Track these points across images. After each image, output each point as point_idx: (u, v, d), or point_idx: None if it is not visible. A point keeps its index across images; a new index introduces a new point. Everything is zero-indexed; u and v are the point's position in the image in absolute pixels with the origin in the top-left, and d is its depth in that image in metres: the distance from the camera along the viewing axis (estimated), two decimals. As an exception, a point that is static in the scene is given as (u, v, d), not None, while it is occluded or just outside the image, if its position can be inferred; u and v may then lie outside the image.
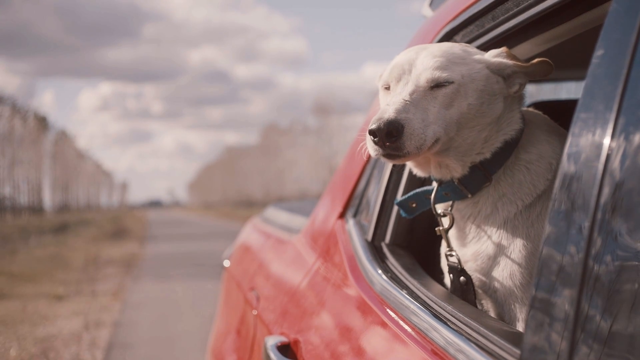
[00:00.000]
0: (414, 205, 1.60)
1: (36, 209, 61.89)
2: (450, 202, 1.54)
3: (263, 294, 2.38)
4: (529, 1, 1.42)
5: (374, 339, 1.50)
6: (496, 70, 1.46)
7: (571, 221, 0.91)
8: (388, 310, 1.49)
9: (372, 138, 1.36)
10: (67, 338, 7.01)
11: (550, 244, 0.94)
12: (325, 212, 2.34)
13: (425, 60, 1.44)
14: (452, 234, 1.57)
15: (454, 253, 1.53)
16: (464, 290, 1.51)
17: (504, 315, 1.49)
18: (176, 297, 9.67)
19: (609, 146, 0.87)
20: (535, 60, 1.47)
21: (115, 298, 9.63)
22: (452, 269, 1.54)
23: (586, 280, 0.86)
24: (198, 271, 12.56)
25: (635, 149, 0.84)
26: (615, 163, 0.86)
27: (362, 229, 1.98)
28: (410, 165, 1.61)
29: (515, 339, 1.07)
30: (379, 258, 1.76)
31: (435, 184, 1.57)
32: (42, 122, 64.16)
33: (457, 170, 1.49)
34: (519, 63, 1.46)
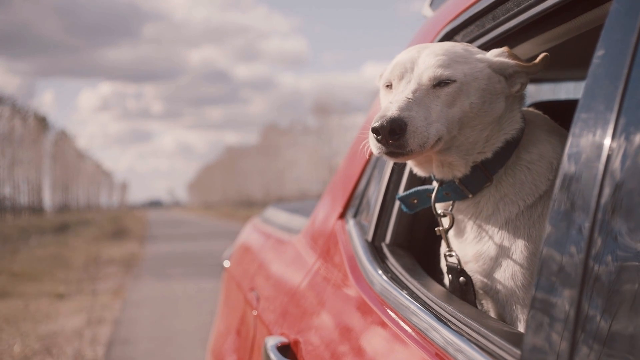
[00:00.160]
0: (415, 201, 1.60)
1: (36, 209, 61.89)
2: (450, 202, 1.54)
3: (263, 294, 2.38)
4: (530, 1, 1.42)
5: (374, 340, 1.50)
6: (498, 69, 1.46)
7: (571, 221, 0.91)
8: (388, 310, 1.49)
9: (375, 136, 1.36)
10: (69, 335, 7.16)
11: (551, 244, 0.94)
12: (326, 212, 2.34)
13: (428, 59, 1.44)
14: (452, 234, 1.56)
15: (453, 253, 1.53)
16: (464, 291, 1.51)
17: (505, 316, 1.48)
18: (175, 295, 9.81)
19: (610, 146, 0.87)
20: (537, 59, 1.47)
21: (115, 296, 9.78)
22: (451, 269, 1.54)
23: (586, 280, 0.86)
24: (197, 270, 12.72)
25: (636, 149, 0.83)
26: (616, 163, 0.86)
27: (362, 229, 1.98)
28: (411, 165, 1.60)
29: (515, 339, 1.07)
30: (379, 258, 1.76)
31: (435, 184, 1.57)
32: (42, 122, 64.15)
33: (459, 168, 1.48)
34: (521, 63, 1.46)
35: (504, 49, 1.49)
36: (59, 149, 74.16)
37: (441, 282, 1.64)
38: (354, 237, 1.95)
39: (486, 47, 1.59)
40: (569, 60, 2.22)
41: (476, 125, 1.45)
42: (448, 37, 1.78)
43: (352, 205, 2.16)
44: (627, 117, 0.87)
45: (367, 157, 1.90)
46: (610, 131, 0.88)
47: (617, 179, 0.85)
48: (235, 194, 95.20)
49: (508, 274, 1.44)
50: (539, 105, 1.95)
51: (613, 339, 0.81)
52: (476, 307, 1.50)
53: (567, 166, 0.95)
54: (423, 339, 1.28)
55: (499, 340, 1.09)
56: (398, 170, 1.87)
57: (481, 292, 1.52)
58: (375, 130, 1.35)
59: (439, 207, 1.56)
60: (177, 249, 18.95)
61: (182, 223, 41.82)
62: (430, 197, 1.55)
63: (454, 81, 1.41)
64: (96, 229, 31.72)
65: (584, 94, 0.97)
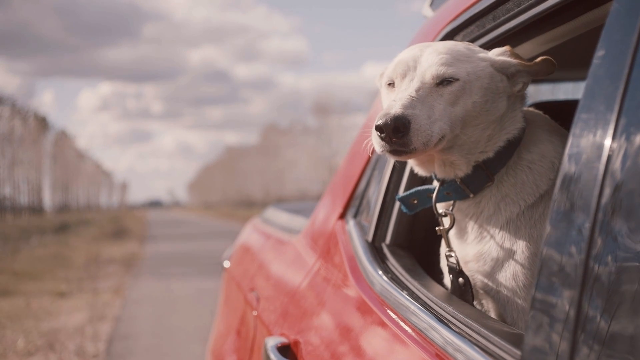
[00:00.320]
0: (415, 201, 1.59)
1: (36, 209, 61.90)
2: (451, 202, 1.53)
3: (263, 294, 2.38)
4: (530, 1, 1.42)
5: (374, 340, 1.50)
6: (500, 68, 1.46)
7: (572, 222, 0.91)
8: (388, 311, 1.49)
9: (379, 134, 1.35)
10: (71, 331, 7.32)
11: (551, 245, 0.94)
12: (326, 212, 2.34)
13: (431, 57, 1.44)
14: (453, 234, 1.56)
15: (453, 254, 1.53)
16: (462, 291, 1.50)
17: (506, 316, 1.48)
18: (174, 294, 9.98)
19: (610, 147, 0.87)
20: (539, 59, 1.47)
21: (116, 295, 9.93)
22: (451, 269, 1.53)
23: (587, 281, 0.86)
24: (196, 270, 12.86)
25: (636, 149, 0.83)
26: (616, 164, 0.86)
27: (362, 229, 1.97)
28: (412, 164, 1.60)
29: (515, 339, 1.07)
30: (379, 259, 1.76)
31: (436, 183, 1.56)
32: (42, 122, 64.15)
33: (461, 168, 1.48)
34: (523, 62, 1.46)
35: (506, 48, 1.49)
36: (59, 149, 74.16)
37: (441, 283, 1.64)
38: (354, 237, 1.95)
39: (487, 47, 1.59)
40: (568, 61, 2.21)
41: (478, 124, 1.45)
42: (448, 37, 1.78)
43: (352, 205, 2.16)
44: (627, 118, 0.87)
45: (370, 155, 1.89)
46: (610, 132, 0.88)
47: (617, 179, 0.85)
48: (235, 194, 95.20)
49: (509, 274, 1.44)
50: (538, 105, 1.95)
51: (613, 339, 0.81)
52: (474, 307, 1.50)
53: (567, 166, 0.95)
54: (423, 340, 1.28)
55: (499, 340, 1.09)
56: (398, 170, 1.87)
57: (482, 292, 1.52)
58: (379, 128, 1.34)
59: (440, 207, 1.56)
60: (176, 248, 19.03)
61: (182, 223, 41.86)
62: (431, 197, 1.55)
63: (457, 80, 1.41)
64: (96, 229, 31.75)
65: (584, 94, 0.97)
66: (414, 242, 1.88)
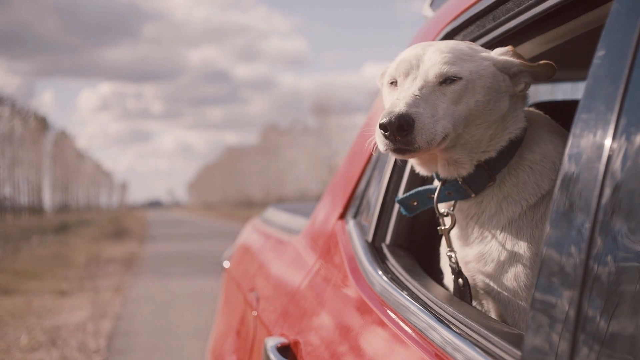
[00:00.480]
0: (415, 203, 1.59)
1: (36, 209, 61.92)
2: (452, 202, 1.53)
3: (263, 294, 2.37)
4: (530, 1, 1.42)
5: (374, 340, 1.50)
6: (502, 68, 1.46)
7: (572, 222, 0.91)
8: (388, 311, 1.48)
9: (383, 132, 1.35)
10: (72, 328, 7.47)
11: (551, 245, 0.94)
12: (326, 212, 2.34)
13: (434, 56, 1.44)
14: (454, 234, 1.55)
15: (453, 254, 1.52)
16: (462, 292, 1.50)
17: (507, 317, 1.48)
18: (174, 292, 10.12)
19: (610, 147, 0.87)
20: (542, 61, 1.47)
21: (116, 293, 10.05)
22: (452, 270, 1.53)
23: (587, 281, 0.86)
24: (195, 269, 13.00)
25: (637, 150, 0.83)
26: (617, 164, 0.86)
27: (362, 229, 1.97)
28: (414, 163, 1.59)
29: (516, 340, 1.07)
30: (379, 259, 1.75)
31: (436, 183, 1.56)
32: (42, 123, 64.16)
33: (464, 166, 1.48)
34: (525, 62, 1.46)
35: (508, 47, 1.49)
36: (58, 149, 74.20)
37: (441, 283, 1.64)
38: (354, 237, 1.95)
39: (487, 47, 1.59)
40: (567, 61, 2.22)
41: (481, 123, 1.45)
42: (448, 37, 1.78)
43: (352, 205, 2.16)
44: (627, 118, 0.87)
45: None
46: (610, 132, 0.88)
47: (617, 179, 0.85)
48: (235, 194, 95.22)
49: (511, 275, 1.44)
50: (537, 105, 1.95)
51: (613, 339, 0.81)
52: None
53: (567, 167, 0.95)
54: (423, 340, 1.28)
55: (499, 341, 1.09)
56: (398, 170, 1.86)
57: (483, 292, 1.52)
58: (383, 127, 1.34)
59: (441, 207, 1.55)
60: (176, 248, 19.11)
61: (182, 223, 41.89)
62: (431, 197, 1.54)
63: (460, 79, 1.41)
64: (96, 229, 31.79)
65: (584, 94, 0.97)
66: (414, 242, 1.88)
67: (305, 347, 1.73)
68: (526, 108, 1.59)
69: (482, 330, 1.16)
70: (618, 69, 0.91)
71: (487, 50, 1.51)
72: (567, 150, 0.96)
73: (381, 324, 1.48)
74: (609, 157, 0.87)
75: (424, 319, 1.32)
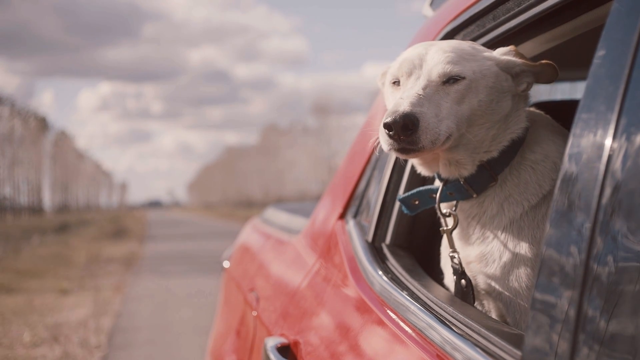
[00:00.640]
0: (416, 202, 1.58)
1: (36, 209, 61.92)
2: (454, 202, 1.52)
3: (263, 294, 2.37)
4: (530, 1, 1.42)
5: (374, 340, 1.50)
6: (505, 67, 1.45)
7: (572, 222, 0.91)
8: (388, 311, 1.48)
9: (387, 132, 1.34)
10: (74, 325, 7.68)
11: (552, 245, 0.94)
12: (326, 212, 2.34)
13: (437, 55, 1.43)
14: (455, 234, 1.55)
15: (456, 255, 1.52)
16: (464, 293, 1.50)
17: (508, 317, 1.47)
18: (173, 291, 10.31)
19: (611, 147, 0.87)
20: (544, 60, 1.47)
21: (116, 292, 10.26)
22: (454, 271, 1.53)
23: (587, 281, 0.85)
24: (194, 268, 13.20)
25: (637, 149, 0.83)
26: (617, 164, 0.85)
27: (362, 229, 1.97)
28: (415, 163, 1.59)
29: (516, 340, 1.07)
30: (379, 259, 1.75)
31: (437, 183, 1.56)
32: (42, 123, 64.16)
33: (466, 167, 1.47)
34: (527, 62, 1.45)
35: (511, 47, 1.49)
36: (58, 149, 74.18)
37: (441, 283, 1.64)
38: (354, 237, 1.95)
39: (487, 46, 1.59)
40: (565, 61, 2.21)
41: (484, 123, 1.44)
42: (449, 36, 1.77)
43: (352, 205, 2.16)
44: (628, 118, 0.86)
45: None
46: (611, 132, 0.88)
47: (618, 179, 0.85)
48: (235, 194, 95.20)
49: (512, 275, 1.43)
50: (537, 105, 1.95)
51: (614, 339, 0.81)
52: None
53: (568, 166, 0.95)
54: (423, 340, 1.28)
55: (499, 341, 1.09)
56: (398, 170, 1.86)
57: (484, 292, 1.52)
58: (387, 126, 1.33)
59: (443, 207, 1.55)
60: (175, 248, 19.23)
61: (181, 223, 41.94)
62: (433, 197, 1.54)
63: (463, 78, 1.40)
64: (96, 229, 31.83)
65: (584, 94, 0.96)
66: (414, 242, 1.88)
67: (305, 347, 1.73)
68: (527, 108, 1.59)
69: (483, 330, 1.16)
70: (618, 68, 0.90)
71: (489, 50, 1.50)
72: (568, 150, 0.96)
73: (381, 324, 1.48)
74: (609, 157, 0.87)
75: (424, 319, 1.32)
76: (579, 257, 0.88)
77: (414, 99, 1.36)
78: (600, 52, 0.96)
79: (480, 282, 1.50)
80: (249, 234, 3.39)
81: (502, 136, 1.47)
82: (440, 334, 1.23)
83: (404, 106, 1.33)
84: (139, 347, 6.66)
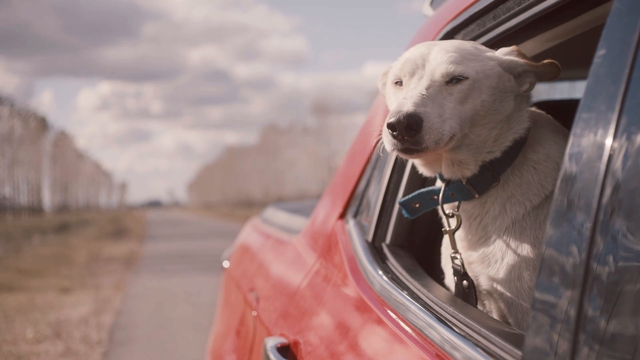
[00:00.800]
0: (417, 205, 1.57)
1: (36, 209, 61.94)
2: (456, 203, 1.52)
3: (263, 294, 2.37)
4: (530, 0, 1.42)
5: (374, 340, 1.49)
6: (507, 67, 1.45)
7: (573, 222, 0.90)
8: (388, 311, 1.48)
9: (391, 132, 1.34)
10: (75, 322, 7.88)
11: (552, 245, 0.94)
12: (326, 212, 2.34)
13: (439, 55, 1.43)
14: (457, 235, 1.54)
15: (458, 256, 1.51)
16: (466, 294, 1.49)
17: (510, 317, 1.47)
18: (172, 289, 10.49)
19: (611, 146, 0.87)
20: (546, 60, 1.46)
21: (117, 290, 10.46)
22: (455, 271, 1.52)
23: (588, 281, 0.85)
24: (193, 267, 13.38)
25: (638, 149, 0.83)
26: (617, 163, 0.85)
27: (362, 229, 1.97)
28: (417, 164, 1.58)
29: (516, 340, 1.07)
30: (379, 259, 1.75)
31: (439, 184, 1.55)
32: (42, 123, 64.15)
33: (469, 167, 1.47)
34: (530, 62, 1.45)
35: (513, 47, 1.48)
36: (58, 149, 74.18)
37: (442, 283, 1.63)
38: (354, 237, 1.95)
39: (487, 46, 1.59)
40: (567, 60, 2.21)
41: (486, 123, 1.44)
42: (449, 36, 1.77)
43: (352, 205, 2.16)
44: (628, 117, 0.86)
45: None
46: (611, 131, 0.88)
47: (618, 179, 0.85)
48: (234, 194, 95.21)
49: (514, 276, 1.43)
50: (536, 105, 1.95)
51: (615, 340, 0.80)
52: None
53: (568, 166, 0.95)
54: (423, 340, 1.28)
55: (500, 341, 1.09)
56: (398, 170, 1.86)
57: (485, 293, 1.51)
58: (391, 126, 1.33)
59: (446, 208, 1.54)
60: (175, 247, 19.34)
61: (181, 223, 41.99)
62: (434, 199, 1.53)
63: (466, 78, 1.40)
64: (96, 229, 31.91)
65: (585, 93, 0.96)
66: (414, 242, 1.87)
67: (305, 347, 1.73)
68: (529, 108, 1.59)
69: (483, 330, 1.15)
70: (619, 68, 0.90)
71: (492, 50, 1.50)
72: (568, 150, 0.96)
73: (381, 323, 1.48)
74: (610, 157, 0.87)
75: (424, 319, 1.32)
76: (579, 257, 0.87)
77: (417, 99, 1.35)
78: (600, 52, 0.96)
79: (482, 282, 1.49)
80: (249, 234, 3.38)
81: (504, 136, 1.46)
82: (440, 334, 1.23)
83: (408, 106, 1.33)
84: (139, 343, 6.84)
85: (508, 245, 1.45)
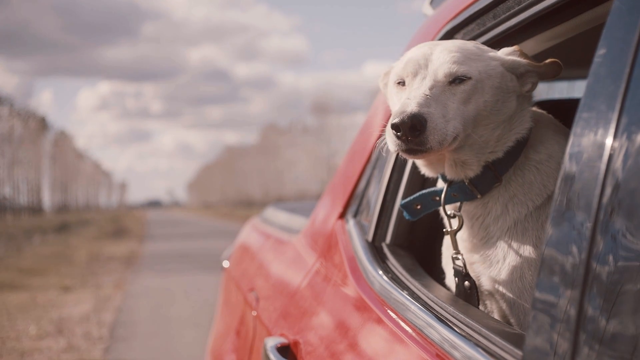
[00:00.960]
0: (418, 207, 1.57)
1: (35, 209, 61.94)
2: (458, 204, 1.51)
3: (263, 294, 2.37)
4: None
5: (374, 340, 1.49)
6: (510, 68, 1.45)
7: (573, 221, 0.90)
8: (388, 311, 1.48)
9: (395, 132, 1.33)
10: (77, 319, 8.09)
11: (552, 245, 0.94)
12: (326, 212, 2.34)
13: (442, 55, 1.42)
14: (458, 235, 1.53)
15: (460, 257, 1.51)
16: (468, 295, 1.49)
17: (511, 318, 1.47)
18: (171, 288, 10.69)
19: (611, 146, 0.87)
20: (548, 60, 1.46)
21: (117, 288, 10.67)
22: (457, 272, 1.51)
23: (588, 281, 0.85)
24: (193, 266, 13.57)
25: (638, 148, 0.83)
26: (618, 163, 0.85)
27: (362, 229, 1.97)
28: (419, 164, 1.58)
29: (517, 340, 1.06)
30: (379, 258, 1.75)
31: (440, 184, 1.55)
32: (41, 122, 64.13)
33: (472, 167, 1.47)
34: (532, 62, 1.45)
35: (515, 47, 1.48)
36: (58, 149, 74.17)
37: (442, 283, 1.63)
38: (354, 237, 1.95)
39: (487, 45, 1.58)
40: (566, 60, 2.21)
41: (489, 123, 1.44)
42: (449, 35, 1.77)
43: (352, 205, 2.16)
44: (628, 117, 0.86)
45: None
46: (612, 131, 0.87)
47: (618, 178, 0.84)
48: (234, 193, 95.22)
49: (516, 276, 1.42)
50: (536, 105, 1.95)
51: (615, 340, 0.80)
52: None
53: (568, 166, 0.94)
54: (424, 340, 1.28)
55: (500, 341, 1.09)
56: (399, 169, 1.86)
57: (487, 293, 1.51)
58: (395, 127, 1.32)
59: (447, 209, 1.53)
60: (174, 247, 19.48)
61: (181, 223, 42.06)
62: (436, 200, 1.53)
63: (470, 78, 1.40)
64: (96, 229, 31.98)
65: (585, 93, 0.96)
66: (414, 242, 1.87)
67: (305, 347, 1.72)
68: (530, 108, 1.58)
69: (484, 330, 1.15)
70: (619, 67, 0.90)
71: (494, 50, 1.50)
72: (568, 150, 0.96)
73: (381, 323, 1.47)
74: (610, 156, 0.86)
75: (424, 319, 1.32)
76: (579, 257, 0.87)
77: (421, 100, 1.35)
78: (601, 51, 0.96)
79: (483, 283, 1.49)
80: (249, 234, 3.38)
81: (507, 136, 1.46)
82: (440, 334, 1.23)
83: (412, 107, 1.32)
84: (139, 339, 7.03)
85: (510, 246, 1.44)
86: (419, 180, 1.76)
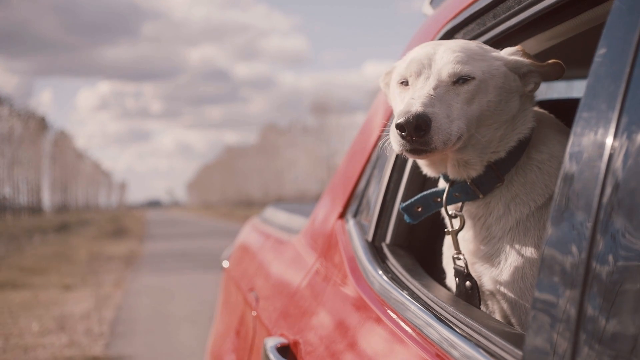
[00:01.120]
0: (419, 209, 1.56)
1: (35, 209, 61.93)
2: (459, 204, 1.51)
3: (262, 294, 2.37)
4: (530, -1, 1.42)
5: (374, 340, 1.49)
6: (513, 67, 1.45)
7: (573, 221, 0.90)
8: (388, 311, 1.48)
9: (399, 132, 1.33)
10: (78, 317, 8.30)
11: (552, 244, 0.94)
12: (325, 212, 2.34)
13: (445, 55, 1.42)
14: (460, 235, 1.53)
15: (461, 257, 1.51)
16: (469, 295, 1.49)
17: (513, 318, 1.47)
18: (171, 286, 10.87)
19: (612, 146, 0.87)
20: (551, 60, 1.46)
21: (117, 287, 10.90)
22: (458, 272, 1.51)
23: (588, 280, 0.85)
24: (192, 265, 13.77)
25: (638, 148, 0.83)
26: (618, 163, 0.85)
27: (362, 229, 1.97)
28: (422, 164, 1.58)
29: (517, 340, 1.06)
30: (379, 258, 1.75)
31: (442, 184, 1.55)
32: (41, 122, 64.12)
33: (475, 167, 1.46)
34: (535, 62, 1.45)
35: (518, 47, 1.48)
36: (58, 149, 74.17)
37: (442, 283, 1.63)
38: (354, 237, 1.95)
39: (487, 45, 1.58)
40: (566, 59, 2.21)
41: (492, 123, 1.44)
42: (449, 35, 1.77)
43: (352, 205, 2.16)
44: (629, 116, 0.86)
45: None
46: (612, 130, 0.87)
47: (619, 178, 0.84)
48: (234, 193, 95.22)
49: (518, 276, 1.42)
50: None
51: (615, 340, 0.80)
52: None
53: (568, 165, 0.94)
54: (423, 340, 1.28)
55: (500, 341, 1.09)
56: (399, 169, 1.86)
57: (488, 293, 1.51)
58: (400, 127, 1.32)
59: (449, 209, 1.53)
60: (174, 246, 19.61)
61: (180, 223, 42.13)
62: (437, 201, 1.52)
63: (473, 78, 1.40)
64: (96, 229, 32.05)
65: (585, 92, 0.96)
66: (414, 242, 1.87)
67: (305, 347, 1.72)
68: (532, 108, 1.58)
69: (484, 330, 1.15)
70: (619, 67, 0.90)
71: (497, 50, 1.50)
72: (568, 149, 0.96)
73: (381, 323, 1.47)
74: (610, 156, 0.86)
75: (424, 319, 1.32)
76: (579, 256, 0.87)
77: (425, 100, 1.35)
78: (601, 51, 0.96)
79: (485, 283, 1.49)
80: (249, 234, 3.38)
81: (509, 136, 1.46)
82: (440, 334, 1.23)
83: (417, 107, 1.32)
84: (139, 336, 7.26)
85: (512, 246, 1.44)
86: (419, 180, 1.76)
